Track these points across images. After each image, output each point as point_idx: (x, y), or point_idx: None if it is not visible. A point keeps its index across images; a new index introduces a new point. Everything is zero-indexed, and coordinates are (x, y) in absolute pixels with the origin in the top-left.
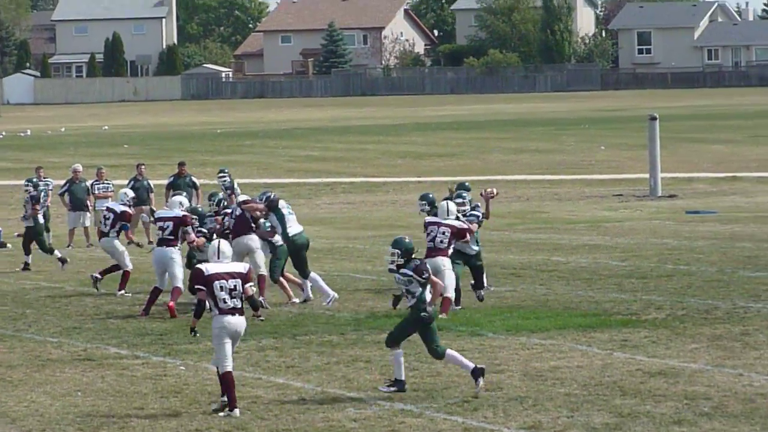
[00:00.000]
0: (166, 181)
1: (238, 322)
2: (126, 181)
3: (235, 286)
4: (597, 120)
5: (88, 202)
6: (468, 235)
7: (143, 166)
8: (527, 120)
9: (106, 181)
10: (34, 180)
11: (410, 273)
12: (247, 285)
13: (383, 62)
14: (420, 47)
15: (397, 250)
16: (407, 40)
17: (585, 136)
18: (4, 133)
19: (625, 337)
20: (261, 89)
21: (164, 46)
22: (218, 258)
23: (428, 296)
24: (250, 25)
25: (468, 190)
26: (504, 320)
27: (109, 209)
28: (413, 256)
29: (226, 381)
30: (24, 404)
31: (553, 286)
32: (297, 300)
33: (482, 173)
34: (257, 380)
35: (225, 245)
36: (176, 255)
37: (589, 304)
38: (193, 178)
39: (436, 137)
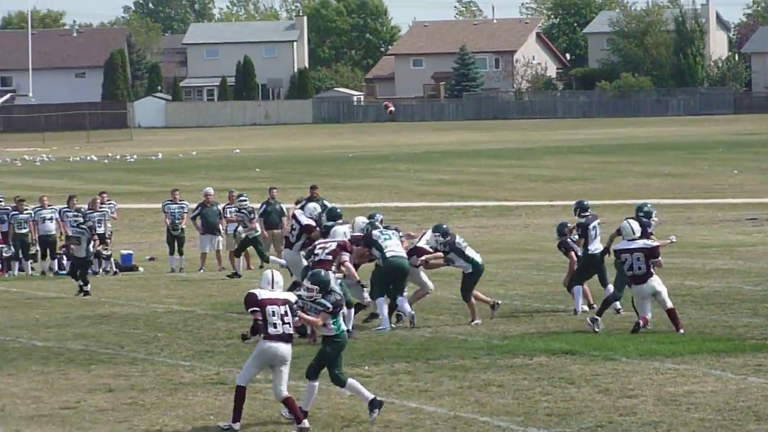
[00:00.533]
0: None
1: (280, 347)
2: (258, 205)
3: (286, 312)
4: (730, 144)
5: (220, 225)
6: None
7: (275, 190)
8: (659, 144)
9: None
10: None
11: (328, 304)
12: (298, 315)
13: (515, 86)
14: (552, 71)
15: (316, 287)
16: (539, 64)
17: (718, 160)
18: (135, 157)
19: (760, 362)
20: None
21: (295, 70)
22: (272, 288)
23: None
24: (382, 49)
25: (586, 209)
26: (637, 345)
27: (294, 218)
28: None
29: (237, 395)
30: (156, 428)
31: (687, 310)
32: (478, 321)
33: (614, 197)
34: (390, 404)
35: (278, 275)
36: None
37: (723, 328)
38: (325, 202)
39: (568, 161)
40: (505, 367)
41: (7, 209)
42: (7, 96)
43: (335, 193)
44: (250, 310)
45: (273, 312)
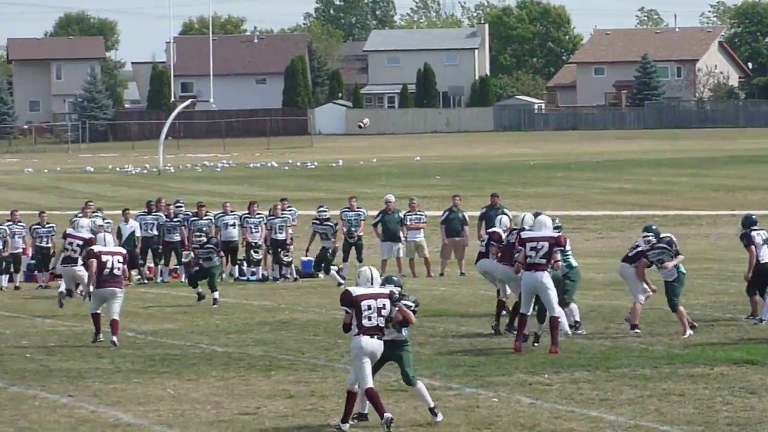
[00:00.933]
0: (478, 212)
1: (374, 343)
2: (439, 213)
3: (384, 305)
4: None
5: (400, 233)
6: None
7: (458, 198)
8: None
9: (419, 212)
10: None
11: (411, 304)
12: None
13: (697, 95)
14: (734, 80)
15: (398, 288)
16: (721, 73)
17: None
18: (316, 163)
19: None
20: (573, 121)
21: (477, 77)
22: (371, 284)
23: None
24: (564, 57)
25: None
26: None
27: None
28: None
29: (371, 396)
30: None
31: None
32: (690, 332)
33: None
34: (570, 413)
35: (376, 272)
36: (547, 279)
37: None
38: (506, 210)
39: (751, 171)
40: (685, 377)
41: (188, 215)
42: (188, 102)
43: (516, 201)
44: (344, 307)
45: (369, 306)
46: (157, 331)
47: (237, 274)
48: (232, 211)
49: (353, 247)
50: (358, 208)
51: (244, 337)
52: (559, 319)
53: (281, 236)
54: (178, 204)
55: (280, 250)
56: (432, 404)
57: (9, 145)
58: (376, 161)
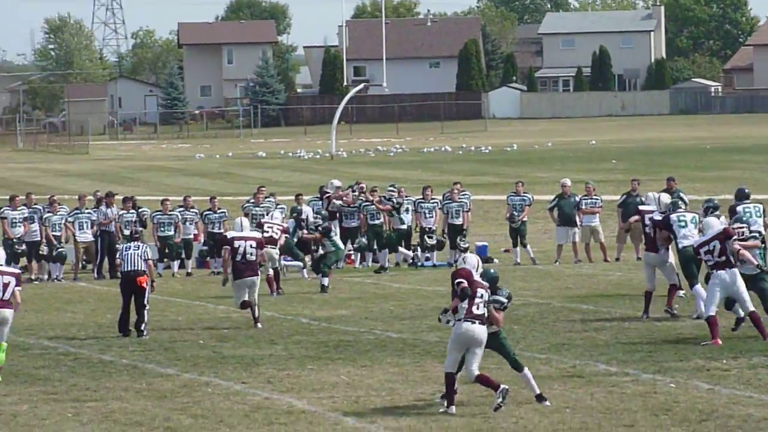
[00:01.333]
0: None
1: (476, 329)
2: (616, 197)
3: (482, 295)
4: None
5: (576, 218)
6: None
7: (636, 182)
8: None
9: (595, 197)
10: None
11: (503, 300)
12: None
13: None
14: None
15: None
16: None
17: None
18: (490, 148)
19: None
20: (751, 104)
21: (652, 60)
22: (476, 271)
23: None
24: (741, 39)
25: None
26: None
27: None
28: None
29: (447, 380)
30: (512, 420)
31: None
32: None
33: None
34: (748, 398)
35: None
36: (735, 277)
37: None
38: (681, 194)
39: None
40: None
41: (362, 199)
42: (361, 86)
43: (692, 185)
44: (460, 287)
45: (481, 294)
46: (331, 318)
47: (410, 261)
48: (407, 197)
49: (517, 233)
50: (524, 193)
51: (418, 323)
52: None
53: (458, 221)
54: (357, 186)
55: (456, 235)
56: (537, 391)
57: (180, 130)
58: (551, 145)
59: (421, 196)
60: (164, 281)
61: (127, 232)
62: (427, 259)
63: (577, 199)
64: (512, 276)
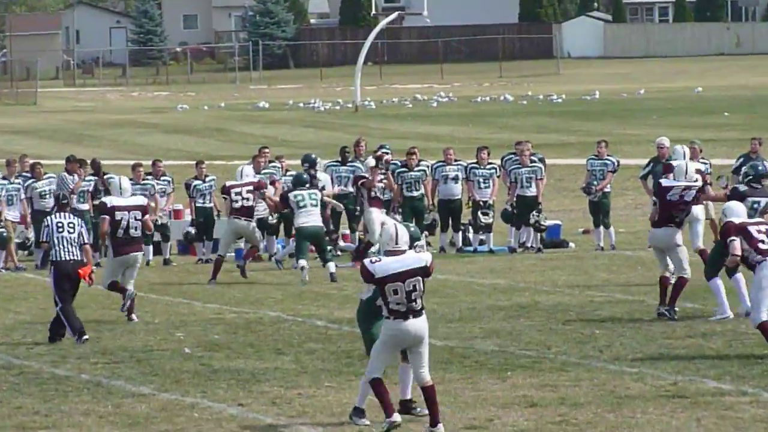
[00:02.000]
0: None
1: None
2: (729, 161)
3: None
4: None
5: None
6: None
7: (758, 142)
8: None
9: (702, 160)
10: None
11: None
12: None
13: None
14: None
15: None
16: None
17: None
18: (563, 96)
19: None
20: None
21: None
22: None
23: None
24: None
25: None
26: None
27: None
28: None
29: (375, 390)
30: None
31: None
32: None
33: None
34: None
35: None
36: None
37: None
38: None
39: None
40: None
41: (396, 164)
42: (394, 15)
43: None
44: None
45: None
46: (354, 320)
47: (460, 243)
48: (456, 160)
49: (599, 208)
50: (608, 156)
51: (469, 326)
52: None
53: (530, 192)
54: (384, 150)
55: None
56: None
57: (157, 74)
58: (644, 93)
59: (474, 160)
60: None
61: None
62: (482, 242)
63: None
64: (593, 265)
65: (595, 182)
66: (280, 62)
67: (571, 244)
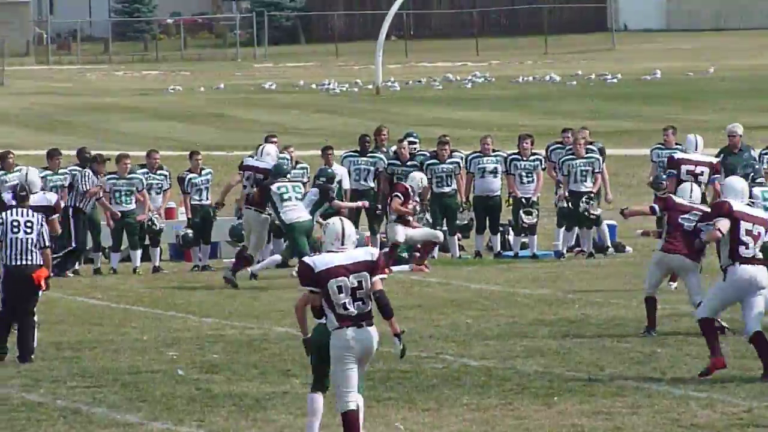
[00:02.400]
0: None
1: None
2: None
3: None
4: None
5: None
6: None
7: None
8: None
9: None
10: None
11: None
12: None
13: None
14: None
15: None
16: None
17: None
18: (619, 76)
19: None
20: None
21: None
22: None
23: None
24: None
25: None
26: None
27: None
28: None
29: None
30: None
31: None
32: None
33: None
34: None
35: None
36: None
37: None
38: None
39: None
40: None
41: (425, 155)
42: None
43: None
44: None
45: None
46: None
47: (498, 247)
48: (494, 150)
49: None
50: (676, 144)
51: (510, 344)
52: None
53: (585, 187)
54: (412, 138)
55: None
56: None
57: (145, 50)
58: (714, 71)
59: (516, 151)
60: (122, 280)
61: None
62: (524, 246)
63: (755, 153)
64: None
65: (664, 175)
66: (288, 36)
67: (629, 248)
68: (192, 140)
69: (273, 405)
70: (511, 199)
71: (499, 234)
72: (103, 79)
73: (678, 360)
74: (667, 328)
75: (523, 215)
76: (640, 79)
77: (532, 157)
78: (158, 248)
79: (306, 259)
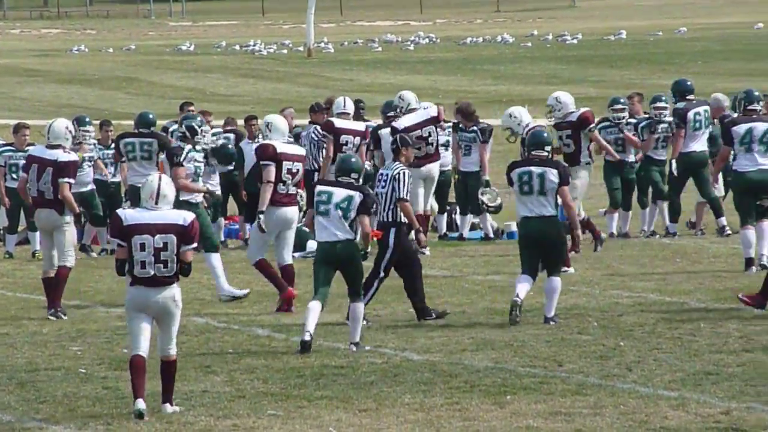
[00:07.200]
0: None
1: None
2: None
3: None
4: None
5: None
6: None
7: None
8: None
9: None
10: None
11: None
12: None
13: None
14: None
15: None
16: None
17: None
18: (580, 36)
19: None
20: None
21: None
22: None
23: None
24: None
25: None
26: None
27: None
28: None
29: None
30: None
31: None
32: None
33: None
34: None
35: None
36: None
37: None
38: None
39: None
40: None
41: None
42: None
43: None
44: None
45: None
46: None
47: (444, 228)
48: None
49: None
50: (645, 114)
51: (457, 335)
52: None
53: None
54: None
55: None
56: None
57: (45, 5)
58: (686, 31)
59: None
60: (19, 265)
61: None
62: (474, 227)
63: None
64: (618, 256)
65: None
66: None
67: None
68: (100, 107)
69: (191, 405)
70: (458, 174)
71: (445, 213)
72: None
73: (646, 355)
74: (633, 319)
75: (482, 196)
76: (602, 39)
77: (475, 127)
78: None
79: (119, 210)
